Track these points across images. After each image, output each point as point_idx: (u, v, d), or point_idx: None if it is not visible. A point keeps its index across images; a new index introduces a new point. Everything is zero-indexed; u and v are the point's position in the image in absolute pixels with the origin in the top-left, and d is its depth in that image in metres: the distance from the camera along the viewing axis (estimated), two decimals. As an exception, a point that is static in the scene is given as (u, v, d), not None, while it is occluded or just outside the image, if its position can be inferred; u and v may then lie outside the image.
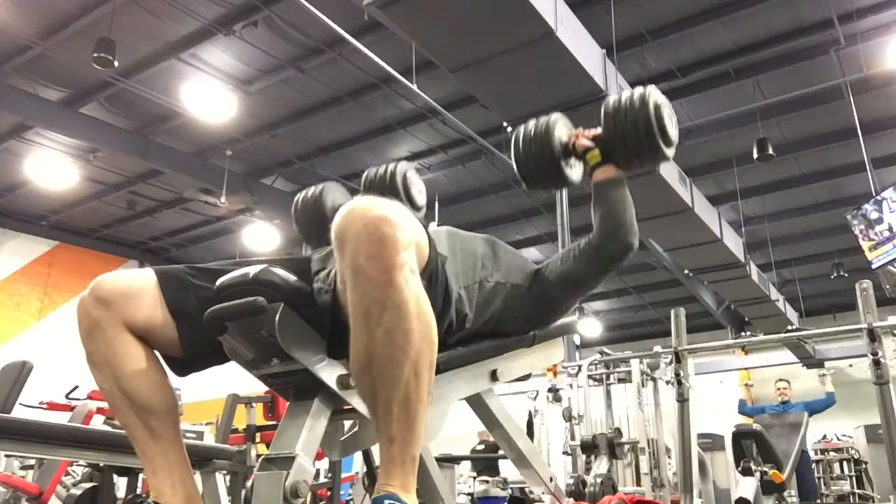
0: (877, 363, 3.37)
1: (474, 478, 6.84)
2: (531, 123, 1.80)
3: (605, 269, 1.64)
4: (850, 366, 11.41)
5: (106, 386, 1.29)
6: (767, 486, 4.63)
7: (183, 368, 1.37)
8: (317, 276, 1.33)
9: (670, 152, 1.70)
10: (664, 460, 5.68)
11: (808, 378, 12.12)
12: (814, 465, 8.44)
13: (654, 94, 1.68)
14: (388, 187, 1.94)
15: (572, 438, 6.16)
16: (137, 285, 1.31)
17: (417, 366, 1.06)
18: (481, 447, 7.23)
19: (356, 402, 1.25)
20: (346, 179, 9.81)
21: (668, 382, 5.30)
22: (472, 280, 1.47)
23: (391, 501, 1.05)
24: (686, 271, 10.80)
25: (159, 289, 1.32)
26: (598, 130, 1.73)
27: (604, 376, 6.42)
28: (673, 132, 1.71)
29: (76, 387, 5.18)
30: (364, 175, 1.99)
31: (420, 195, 2.02)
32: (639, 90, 1.69)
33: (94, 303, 1.27)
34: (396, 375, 1.06)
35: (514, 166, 1.81)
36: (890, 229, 6.50)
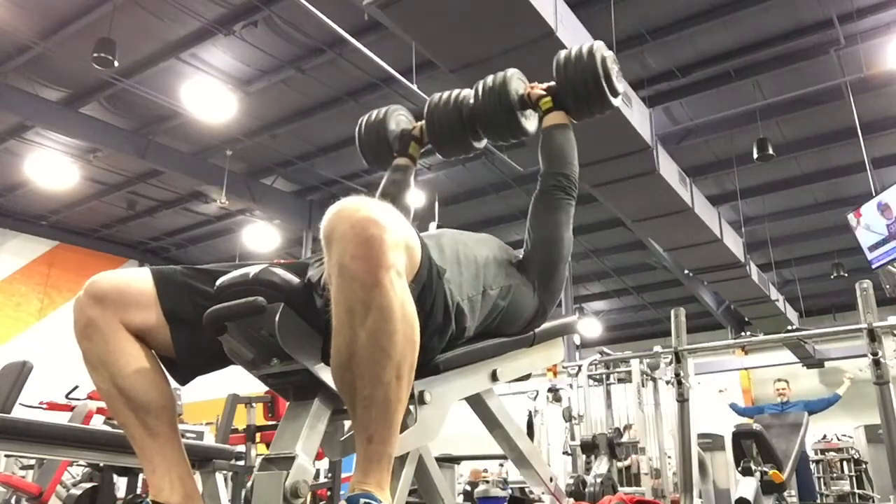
0: (877, 363, 3.38)
1: None
2: (489, 77, 1.88)
3: (562, 205, 1.70)
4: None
5: (102, 385, 1.28)
6: (767, 486, 4.63)
7: (181, 374, 1.36)
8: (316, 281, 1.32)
9: (616, 101, 1.83)
10: (664, 459, 5.69)
11: (808, 378, 12.16)
12: (813, 465, 8.44)
13: (601, 48, 1.81)
14: (450, 110, 1.95)
15: (572, 438, 6.17)
16: (134, 285, 1.30)
17: (400, 368, 1.06)
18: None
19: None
20: (346, 179, 9.84)
21: (668, 382, 5.30)
22: (476, 290, 1.44)
23: (366, 500, 1.04)
24: (686, 271, 10.80)
25: (155, 290, 1.31)
26: (552, 84, 1.85)
27: (604, 376, 6.43)
28: (618, 83, 1.83)
29: (76, 387, 5.19)
30: (427, 101, 2.01)
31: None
32: (587, 44, 1.83)
33: (90, 301, 1.26)
34: (378, 377, 1.05)
35: (473, 116, 1.89)
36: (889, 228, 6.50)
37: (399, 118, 2.08)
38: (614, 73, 1.82)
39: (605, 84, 1.78)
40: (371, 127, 2.06)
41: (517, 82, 1.87)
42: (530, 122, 1.89)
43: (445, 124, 1.96)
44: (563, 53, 1.84)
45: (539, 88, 1.85)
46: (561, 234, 1.67)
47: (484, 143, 2.04)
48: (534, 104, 1.84)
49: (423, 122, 2.01)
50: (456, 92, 1.99)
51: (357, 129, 2.09)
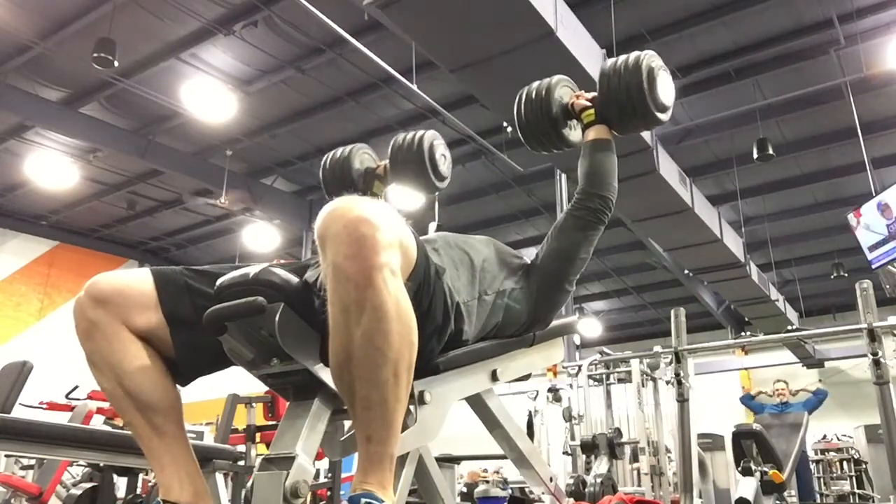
0: (877, 363, 3.37)
1: None
2: (535, 83, 1.81)
3: (588, 227, 1.64)
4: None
5: (107, 385, 1.27)
6: (767, 486, 4.63)
7: (182, 376, 1.36)
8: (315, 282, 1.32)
9: (664, 116, 1.71)
10: (664, 459, 5.69)
11: (807, 378, 12.16)
12: (813, 465, 8.44)
13: (649, 59, 1.69)
14: (413, 154, 1.93)
15: (572, 438, 6.16)
16: (134, 286, 1.29)
17: (397, 367, 1.06)
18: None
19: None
20: (346, 179, 9.83)
21: (668, 382, 5.30)
22: (472, 296, 1.43)
23: (368, 500, 1.05)
24: (686, 271, 10.80)
25: (156, 291, 1.30)
26: (596, 94, 1.76)
27: (604, 376, 6.42)
28: (666, 97, 1.71)
29: (76, 387, 5.19)
30: (392, 142, 1.98)
31: (445, 165, 2.00)
32: (635, 54, 1.71)
33: (91, 303, 1.26)
34: (375, 377, 1.05)
35: (516, 124, 1.83)
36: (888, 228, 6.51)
37: (363, 157, 2.06)
38: (661, 84, 1.69)
39: (649, 97, 1.66)
40: (336, 164, 2.04)
41: (562, 90, 1.80)
42: (575, 132, 1.82)
43: (409, 164, 1.94)
44: (609, 62, 1.74)
45: (584, 98, 1.78)
46: (576, 253, 1.63)
47: (445, 183, 2.01)
48: (577, 115, 1.78)
49: (387, 161, 2.00)
50: (420, 133, 1.96)
51: (321, 166, 2.06)
